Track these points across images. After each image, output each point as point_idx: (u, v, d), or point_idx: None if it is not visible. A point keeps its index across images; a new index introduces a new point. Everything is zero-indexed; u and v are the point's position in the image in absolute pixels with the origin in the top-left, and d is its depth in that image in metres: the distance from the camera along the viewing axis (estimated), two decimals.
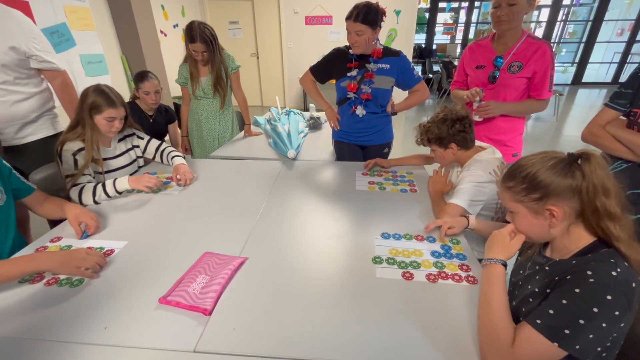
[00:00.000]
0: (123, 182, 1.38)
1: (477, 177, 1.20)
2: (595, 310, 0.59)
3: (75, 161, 1.35)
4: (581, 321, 0.60)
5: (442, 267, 0.99)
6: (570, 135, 4.61)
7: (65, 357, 0.72)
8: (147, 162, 1.81)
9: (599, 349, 0.61)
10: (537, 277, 0.75)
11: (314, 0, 5.52)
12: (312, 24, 5.71)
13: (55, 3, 2.55)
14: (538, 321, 0.64)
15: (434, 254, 1.04)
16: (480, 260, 0.98)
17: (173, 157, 1.65)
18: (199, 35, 1.94)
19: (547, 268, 0.75)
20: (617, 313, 0.60)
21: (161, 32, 4.29)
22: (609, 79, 8.38)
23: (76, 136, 1.37)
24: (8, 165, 1.14)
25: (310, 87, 1.85)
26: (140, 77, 2.01)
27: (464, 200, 1.18)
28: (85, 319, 0.81)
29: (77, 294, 0.89)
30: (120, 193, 1.40)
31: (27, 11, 2.33)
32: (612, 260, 0.64)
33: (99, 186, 1.36)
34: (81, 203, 1.34)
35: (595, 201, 0.67)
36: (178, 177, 1.53)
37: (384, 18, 1.57)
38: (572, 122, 5.21)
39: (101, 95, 1.36)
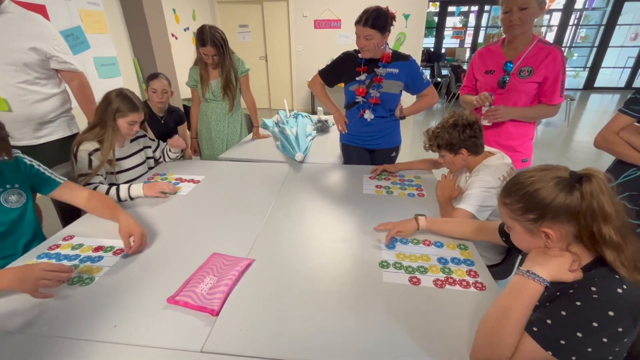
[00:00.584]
0: (137, 190, 1.42)
1: (486, 182, 1.19)
2: (595, 325, 0.59)
3: (90, 161, 1.39)
4: (579, 334, 0.59)
5: (450, 273, 0.98)
6: (581, 141, 4.54)
7: (76, 354, 0.73)
8: (155, 162, 1.84)
9: None
10: (545, 296, 0.72)
11: (323, 4, 5.55)
12: (320, 28, 5.74)
13: (71, 7, 2.62)
14: (534, 329, 0.64)
15: (440, 260, 1.04)
16: (489, 267, 0.97)
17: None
18: (209, 39, 1.97)
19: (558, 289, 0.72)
20: (620, 330, 0.58)
21: (172, 35, 4.36)
22: (622, 84, 8.23)
23: (93, 137, 1.41)
24: (29, 162, 1.15)
25: (318, 90, 1.86)
26: (152, 75, 2.07)
27: (473, 205, 1.17)
28: (95, 317, 0.83)
29: (88, 292, 0.91)
30: (132, 199, 1.42)
31: (43, 14, 2.40)
32: (618, 277, 0.62)
33: (113, 189, 1.39)
34: None
35: (592, 226, 0.64)
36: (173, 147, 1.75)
37: (393, 22, 1.57)
38: (583, 127, 5.12)
39: (126, 101, 1.42)
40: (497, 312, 0.69)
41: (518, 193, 0.71)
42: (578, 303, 0.61)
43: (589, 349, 0.59)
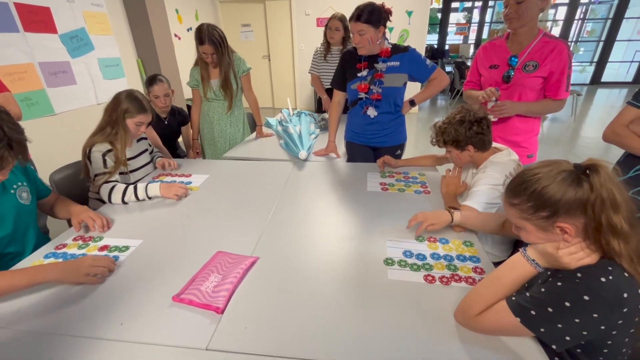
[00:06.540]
0: (154, 189, 1.42)
1: (493, 179, 1.18)
2: (567, 304, 0.62)
3: (105, 161, 1.41)
4: (550, 309, 0.64)
5: (455, 270, 0.97)
6: (588, 136, 4.48)
7: (83, 352, 0.74)
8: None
9: (567, 338, 0.64)
10: (539, 282, 0.75)
11: (325, 2, 5.53)
12: (323, 26, 5.71)
13: (74, 9, 2.63)
14: (513, 298, 0.69)
15: (446, 257, 1.03)
16: (495, 264, 0.96)
17: (157, 157, 1.80)
18: (207, 37, 1.97)
19: (549, 274, 0.75)
20: (595, 315, 0.61)
21: (175, 35, 4.38)
22: (629, 78, 8.10)
23: (104, 138, 1.42)
24: (32, 166, 1.18)
25: (335, 112, 1.88)
26: (150, 81, 2.06)
27: (479, 202, 1.16)
28: (102, 315, 0.83)
29: (95, 290, 0.92)
30: (150, 198, 1.43)
31: (48, 16, 2.42)
32: (610, 268, 0.63)
33: (130, 188, 1.40)
34: (109, 201, 1.39)
35: (601, 216, 0.64)
36: (165, 164, 1.71)
37: (390, 17, 1.56)
38: (590, 122, 5.06)
39: (135, 102, 1.44)
40: (488, 277, 0.77)
41: (526, 192, 0.70)
42: (559, 284, 0.65)
43: (559, 325, 0.62)
